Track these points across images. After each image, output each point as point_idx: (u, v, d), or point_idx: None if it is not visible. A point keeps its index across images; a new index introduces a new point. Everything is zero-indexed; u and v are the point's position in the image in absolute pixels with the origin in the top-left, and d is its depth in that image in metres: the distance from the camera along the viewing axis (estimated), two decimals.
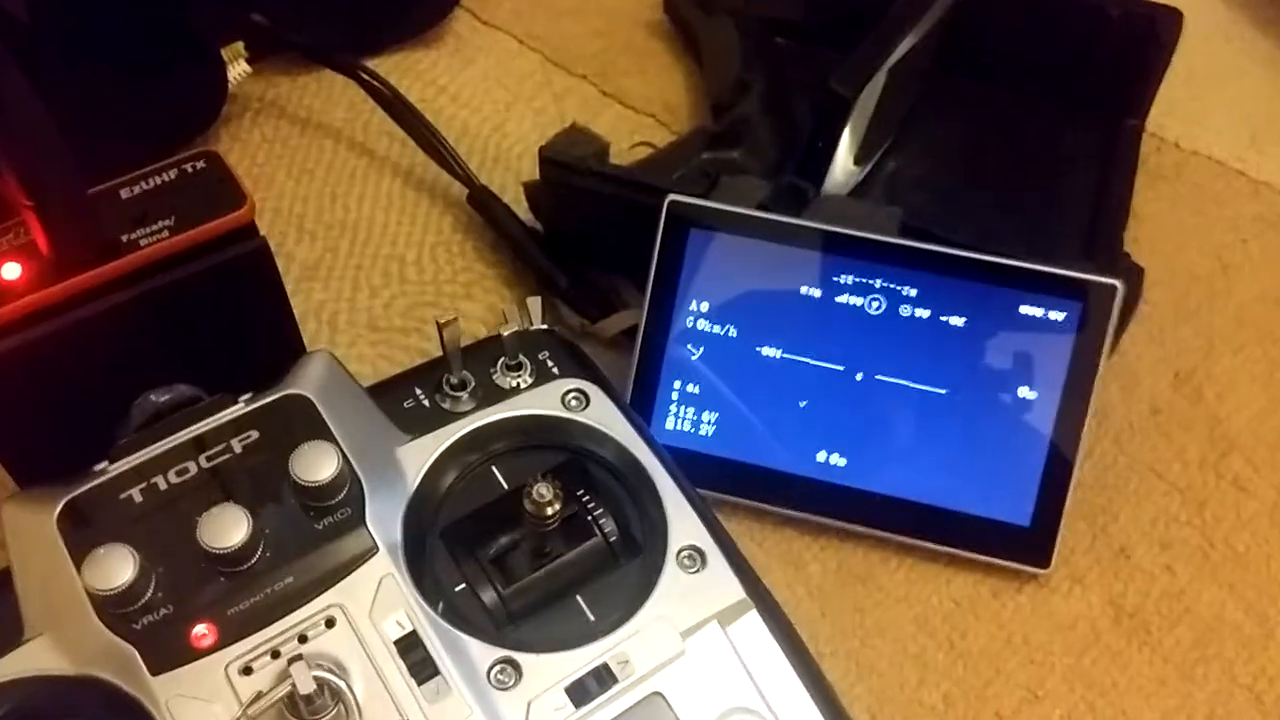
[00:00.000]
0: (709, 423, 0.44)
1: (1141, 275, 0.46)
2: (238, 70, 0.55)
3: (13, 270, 0.33)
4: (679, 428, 0.44)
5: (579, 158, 0.47)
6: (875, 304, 0.43)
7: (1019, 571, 0.43)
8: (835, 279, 0.43)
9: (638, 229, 0.45)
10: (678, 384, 0.44)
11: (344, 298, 0.52)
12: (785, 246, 0.43)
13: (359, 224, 0.55)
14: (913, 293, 0.43)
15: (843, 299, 0.43)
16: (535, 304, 0.39)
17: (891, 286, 0.43)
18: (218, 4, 0.55)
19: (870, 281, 0.43)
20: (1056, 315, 0.42)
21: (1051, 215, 0.52)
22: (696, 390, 0.44)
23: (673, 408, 0.44)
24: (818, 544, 0.44)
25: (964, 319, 0.43)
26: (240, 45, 0.56)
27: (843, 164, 0.49)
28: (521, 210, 0.53)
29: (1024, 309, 0.42)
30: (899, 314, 0.43)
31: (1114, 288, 0.42)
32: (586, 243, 0.51)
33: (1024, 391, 0.42)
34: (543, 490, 0.31)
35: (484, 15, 0.65)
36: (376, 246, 0.54)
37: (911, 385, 0.43)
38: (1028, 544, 0.42)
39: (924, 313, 0.43)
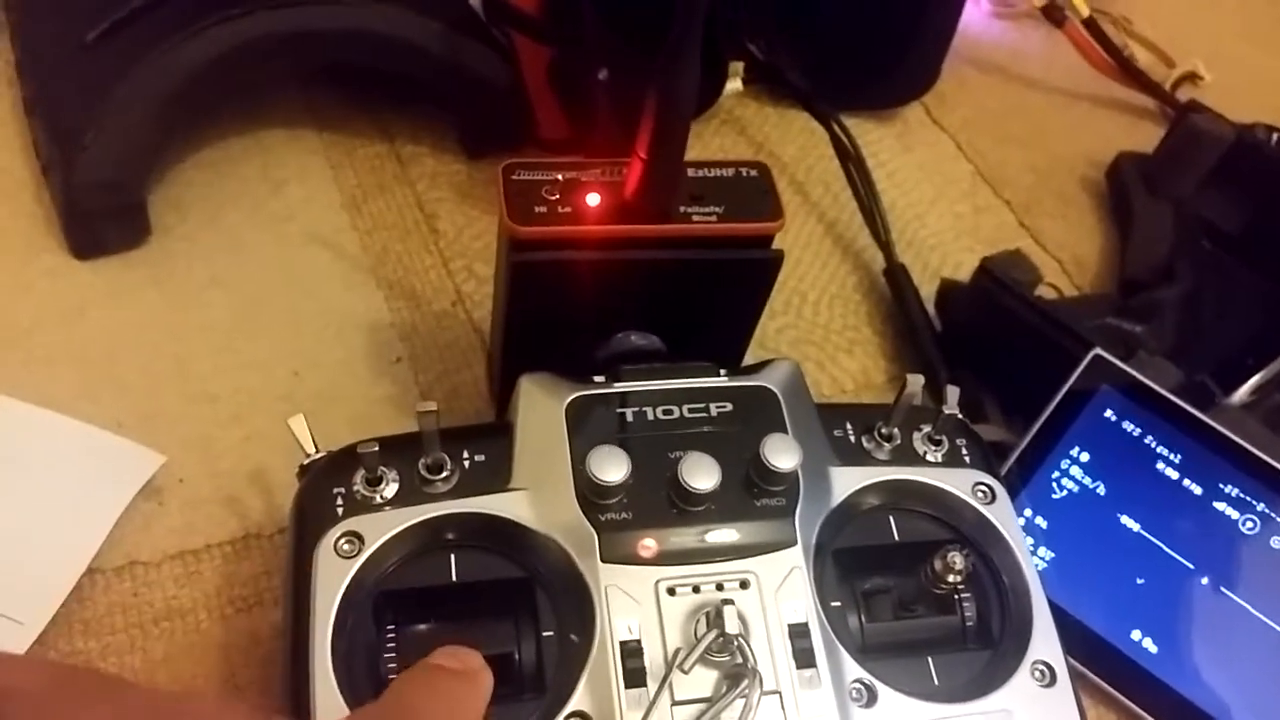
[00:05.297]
0: (1042, 558, 0.47)
1: None
2: (733, 85, 0.62)
3: (594, 199, 0.40)
4: None
5: (1015, 280, 0.51)
6: (1249, 524, 0.45)
7: None
8: (1220, 486, 0.45)
9: (1039, 362, 0.48)
10: (1029, 511, 0.47)
11: None
12: (1185, 436, 0.46)
13: None
14: None
15: (1220, 506, 0.45)
16: (954, 393, 0.43)
17: (1271, 515, 0.45)
18: (739, 30, 0.62)
19: (1254, 502, 0.45)
20: None
21: None
22: (1044, 525, 0.47)
23: None
24: (1095, 711, 0.46)
25: None
26: (741, 65, 0.63)
27: (1250, 385, 0.51)
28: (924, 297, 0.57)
29: None
30: (1269, 544, 0.45)
31: None
32: (977, 352, 0.55)
33: None
34: (957, 559, 0.35)
35: (936, 114, 0.70)
36: (785, 277, 0.59)
37: (1252, 610, 0.44)
38: None
39: None
